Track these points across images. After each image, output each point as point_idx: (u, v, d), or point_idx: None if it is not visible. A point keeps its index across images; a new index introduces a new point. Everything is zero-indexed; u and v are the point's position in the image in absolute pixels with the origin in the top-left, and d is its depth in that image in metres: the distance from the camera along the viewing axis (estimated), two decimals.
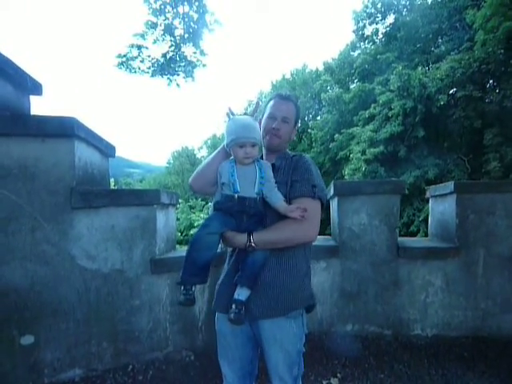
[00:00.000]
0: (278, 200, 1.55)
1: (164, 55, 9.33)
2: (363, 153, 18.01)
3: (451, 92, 16.93)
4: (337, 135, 21.41)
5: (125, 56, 9.44)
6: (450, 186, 3.27)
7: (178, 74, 9.71)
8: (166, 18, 8.87)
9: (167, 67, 9.29)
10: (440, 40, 20.42)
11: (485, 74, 16.26)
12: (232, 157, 1.58)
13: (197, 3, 8.55)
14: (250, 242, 1.50)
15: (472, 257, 3.22)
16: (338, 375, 2.72)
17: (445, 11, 19.18)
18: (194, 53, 9.47)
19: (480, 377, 2.67)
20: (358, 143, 19.03)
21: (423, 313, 3.25)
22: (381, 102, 18.37)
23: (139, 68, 9.60)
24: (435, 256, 3.24)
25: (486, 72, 15.94)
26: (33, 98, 2.96)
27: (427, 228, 4.12)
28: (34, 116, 2.56)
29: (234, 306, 1.52)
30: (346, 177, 18.42)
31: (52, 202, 2.53)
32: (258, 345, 1.68)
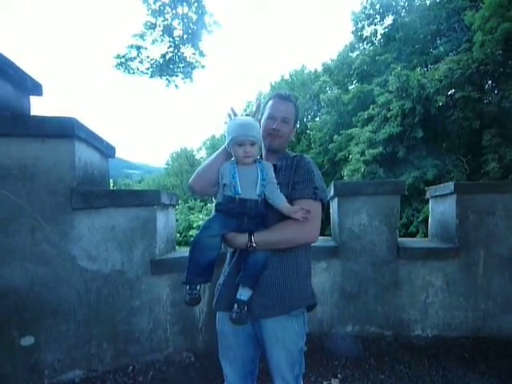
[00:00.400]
0: (280, 201, 1.55)
1: (163, 56, 9.34)
2: (362, 154, 18.02)
3: (450, 93, 16.96)
4: (336, 136, 21.43)
5: (123, 57, 9.45)
6: (450, 186, 3.28)
7: (177, 75, 9.72)
8: (165, 19, 8.88)
9: (166, 68, 9.29)
10: (438, 41, 20.48)
11: (483, 75, 16.30)
12: (233, 158, 1.58)
13: (196, 4, 8.56)
14: (251, 242, 1.50)
15: (472, 257, 3.23)
16: (339, 376, 2.72)
17: (443, 12, 19.23)
18: (193, 54, 9.49)
19: (481, 377, 2.67)
20: (356, 144, 19.05)
21: (423, 313, 3.25)
22: (379, 102, 18.39)
23: (138, 69, 9.62)
24: (435, 256, 3.24)
25: (485, 73, 15.98)
26: (33, 99, 2.96)
27: (426, 229, 4.13)
28: (34, 116, 2.56)
29: (236, 306, 1.53)
30: (345, 178, 18.42)
31: (52, 202, 2.52)
32: (260, 344, 1.68)
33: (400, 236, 3.36)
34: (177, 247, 3.53)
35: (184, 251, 3.22)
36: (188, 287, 1.50)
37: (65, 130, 2.48)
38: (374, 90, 19.49)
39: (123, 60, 9.43)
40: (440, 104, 15.98)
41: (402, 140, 17.58)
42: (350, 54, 26.37)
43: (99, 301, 2.68)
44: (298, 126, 29.56)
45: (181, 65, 9.24)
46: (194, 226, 17.71)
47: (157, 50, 9.49)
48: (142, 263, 2.78)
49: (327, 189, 3.44)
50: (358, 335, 3.24)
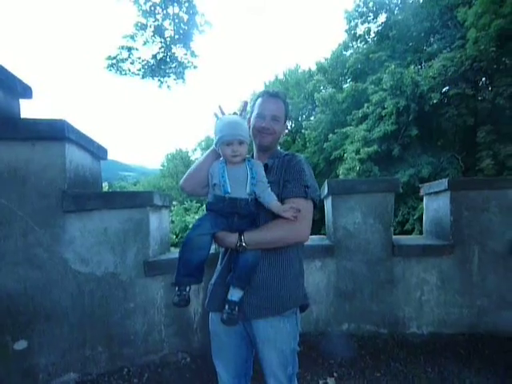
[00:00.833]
0: (271, 200, 1.54)
1: (154, 56, 9.31)
2: (357, 152, 18.09)
3: (444, 90, 17.05)
4: (331, 135, 21.48)
5: (115, 58, 9.41)
6: (443, 183, 3.28)
7: (169, 76, 9.69)
8: (156, 20, 8.84)
9: (158, 69, 9.25)
10: (432, 38, 20.57)
11: (477, 72, 16.40)
12: (222, 157, 1.57)
13: (187, 4, 8.52)
14: (241, 241, 1.49)
15: (467, 254, 3.23)
16: (335, 374, 2.71)
17: (436, 9, 19.32)
18: (185, 54, 9.46)
19: (476, 374, 2.67)
20: (351, 143, 19.12)
21: (419, 311, 3.25)
22: (374, 101, 18.47)
23: (129, 70, 9.57)
24: (430, 253, 3.24)
25: (479, 70, 16.07)
26: (23, 102, 2.93)
27: (422, 226, 4.13)
28: (24, 119, 2.54)
29: (227, 307, 1.52)
30: (340, 176, 18.48)
31: (43, 205, 2.50)
32: (252, 344, 1.67)
33: (395, 234, 3.36)
34: (172, 248, 3.51)
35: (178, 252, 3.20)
36: (177, 288, 1.49)
37: (55, 133, 2.46)
38: (368, 88, 19.57)
39: (114, 61, 9.40)
40: (434, 101, 16.07)
41: (396, 138, 17.66)
42: (344, 53, 26.46)
43: (93, 304, 2.66)
44: (293, 125, 29.68)
45: (172, 65, 9.22)
46: (190, 227, 17.63)
47: (148, 50, 9.50)
48: (136, 265, 2.76)
49: (321, 187, 3.46)
50: (353, 334, 3.24)
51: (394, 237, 3.32)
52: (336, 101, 22.44)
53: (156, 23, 8.88)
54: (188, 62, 9.44)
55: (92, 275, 2.65)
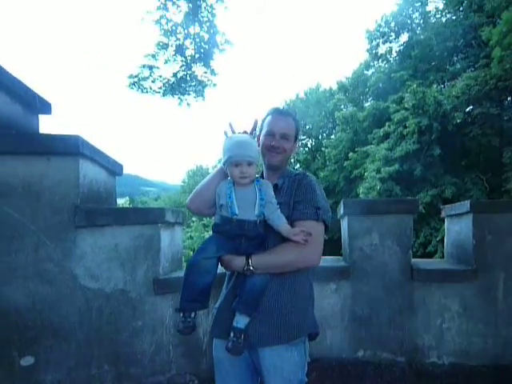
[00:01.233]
0: (280, 223, 1.48)
1: (175, 75, 9.47)
2: (378, 171, 17.85)
3: (468, 109, 16.74)
4: (351, 153, 21.34)
5: (136, 76, 9.63)
6: (466, 205, 3.14)
7: (189, 94, 9.83)
8: (178, 39, 9.01)
9: (178, 87, 9.43)
10: (455, 58, 20.40)
11: (502, 91, 16.07)
12: (230, 177, 1.53)
13: (208, 24, 8.70)
14: (249, 265, 1.43)
15: (491, 280, 3.06)
16: None
17: (460, 29, 19.17)
18: (205, 72, 9.60)
19: None
20: (372, 161, 18.90)
21: (439, 339, 3.08)
22: (395, 120, 18.31)
23: (151, 88, 9.76)
24: (451, 279, 3.09)
25: (504, 89, 15.75)
26: (44, 118, 3.00)
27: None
28: (39, 134, 2.59)
29: (232, 334, 1.45)
30: (360, 195, 18.24)
31: (56, 220, 2.50)
32: (258, 373, 1.59)
33: (418, 256, 3.24)
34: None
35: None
36: (182, 314, 1.43)
37: (69, 148, 2.48)
38: (390, 107, 19.44)
39: (136, 80, 9.61)
40: (458, 121, 15.78)
41: (418, 157, 17.35)
42: (365, 72, 26.49)
43: (101, 320, 2.62)
44: (313, 143, 29.65)
45: (192, 83, 9.38)
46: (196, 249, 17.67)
47: (169, 69, 9.70)
48: (145, 282, 2.72)
49: (337, 207, 3.37)
50: (369, 361, 3.09)
51: (413, 260, 3.18)
52: (357, 119, 22.38)
53: (177, 42, 9.06)
54: (208, 81, 9.61)
55: (101, 291, 2.62)
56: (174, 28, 8.80)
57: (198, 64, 9.26)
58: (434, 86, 17.60)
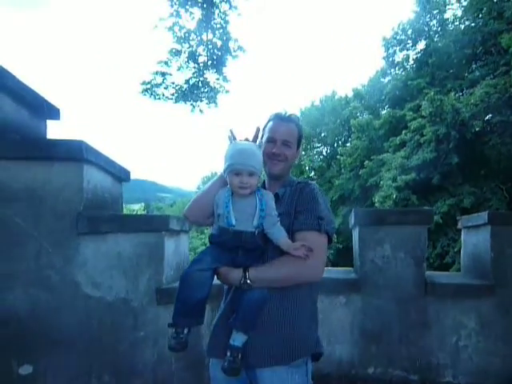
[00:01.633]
0: (280, 236, 1.39)
1: (187, 81, 9.48)
2: (394, 180, 17.53)
3: (487, 118, 16.36)
4: (367, 162, 21.05)
5: (149, 83, 9.67)
6: (483, 216, 3.00)
7: (201, 100, 9.82)
8: (190, 46, 9.03)
9: (190, 94, 9.46)
10: (474, 65, 20.00)
11: None
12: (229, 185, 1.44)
13: (221, 30, 8.72)
14: (246, 278, 1.34)
15: (510, 296, 2.90)
16: None
17: (478, 36, 18.81)
18: (217, 79, 9.58)
19: None
20: (388, 170, 18.59)
21: (455, 358, 2.92)
22: (412, 128, 18.01)
23: (163, 94, 9.77)
24: (468, 294, 2.94)
25: None
26: (54, 123, 2.99)
27: None
28: (43, 139, 2.57)
29: (228, 353, 1.35)
30: (376, 204, 17.91)
31: (58, 226, 2.48)
32: None
33: (435, 267, 3.11)
34: None
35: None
36: (174, 330, 1.34)
37: (73, 153, 2.46)
38: (407, 115, 19.17)
39: (149, 86, 9.64)
40: (476, 129, 15.41)
41: (436, 166, 16.97)
42: (382, 80, 26.27)
43: (102, 330, 2.57)
44: (329, 150, 29.42)
45: (205, 90, 9.40)
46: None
47: (181, 75, 9.72)
48: (148, 292, 2.65)
49: (348, 216, 3.26)
50: (380, 378, 2.95)
51: (427, 272, 3.05)
52: (373, 127, 22.14)
53: (190, 49, 9.08)
54: (220, 87, 9.62)
55: (103, 300, 2.57)
56: (186, 35, 8.83)
57: (211, 70, 9.26)
58: (452, 93, 17.24)
